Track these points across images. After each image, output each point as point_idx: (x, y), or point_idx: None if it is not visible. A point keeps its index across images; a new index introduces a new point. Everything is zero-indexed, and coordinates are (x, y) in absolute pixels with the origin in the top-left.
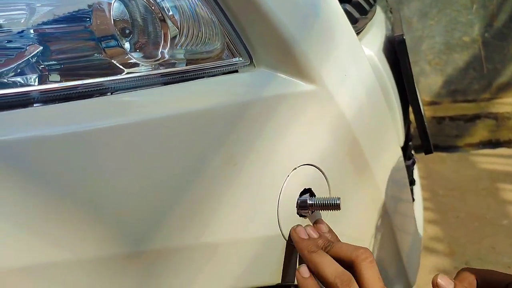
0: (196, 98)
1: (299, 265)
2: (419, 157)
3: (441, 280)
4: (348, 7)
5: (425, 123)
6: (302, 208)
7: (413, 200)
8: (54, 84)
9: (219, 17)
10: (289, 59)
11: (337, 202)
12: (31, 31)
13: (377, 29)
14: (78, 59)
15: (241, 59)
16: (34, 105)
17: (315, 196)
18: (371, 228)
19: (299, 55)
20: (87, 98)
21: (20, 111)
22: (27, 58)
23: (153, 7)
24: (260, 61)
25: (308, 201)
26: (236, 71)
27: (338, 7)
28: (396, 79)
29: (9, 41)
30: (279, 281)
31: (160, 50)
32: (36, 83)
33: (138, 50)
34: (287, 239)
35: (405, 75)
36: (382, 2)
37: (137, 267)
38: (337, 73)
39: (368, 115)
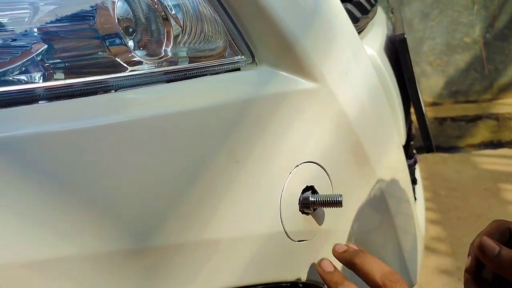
0: (198, 96)
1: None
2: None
3: (486, 242)
4: (350, 6)
5: (427, 122)
6: (305, 205)
7: (415, 199)
8: (59, 81)
9: (222, 16)
10: (291, 57)
11: (339, 199)
12: (36, 29)
13: (378, 29)
14: (82, 57)
15: (243, 57)
16: (39, 102)
17: (317, 193)
18: (373, 226)
19: (300, 53)
20: (92, 95)
21: (26, 107)
22: (32, 56)
23: (156, 6)
24: (262, 59)
25: (310, 198)
26: (238, 69)
27: (340, 6)
28: (397, 79)
29: (14, 40)
30: (282, 278)
31: (163, 48)
32: (41, 81)
33: (141, 48)
34: (289, 236)
35: (406, 74)
36: (383, 2)
37: (141, 263)
38: (339, 71)
39: (370, 113)
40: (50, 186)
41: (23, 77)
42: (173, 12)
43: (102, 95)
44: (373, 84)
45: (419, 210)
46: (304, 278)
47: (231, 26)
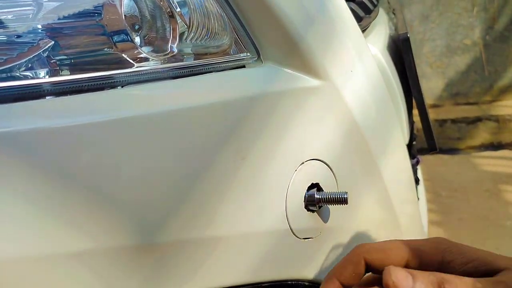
0: (205, 92)
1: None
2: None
3: (397, 275)
4: (353, 5)
5: (430, 121)
6: (310, 202)
7: (418, 199)
8: (66, 76)
9: (228, 13)
10: (296, 54)
11: (345, 196)
12: (42, 26)
13: (381, 29)
14: (89, 53)
15: (248, 54)
16: (46, 97)
17: (322, 190)
18: (378, 225)
19: (306, 50)
20: (98, 91)
21: (33, 102)
22: (38, 52)
23: (161, 2)
24: (267, 57)
25: (316, 196)
26: (243, 67)
27: (344, 5)
28: (400, 78)
29: (21, 36)
30: (287, 276)
31: (169, 44)
32: (47, 77)
33: (147, 45)
34: (295, 233)
35: (409, 72)
36: (384, 4)
37: (147, 260)
38: (343, 69)
39: (374, 111)
40: (58, 181)
41: (29, 73)
42: (179, 8)
43: (109, 90)
44: (377, 83)
45: (422, 210)
46: (309, 276)
47: (237, 23)
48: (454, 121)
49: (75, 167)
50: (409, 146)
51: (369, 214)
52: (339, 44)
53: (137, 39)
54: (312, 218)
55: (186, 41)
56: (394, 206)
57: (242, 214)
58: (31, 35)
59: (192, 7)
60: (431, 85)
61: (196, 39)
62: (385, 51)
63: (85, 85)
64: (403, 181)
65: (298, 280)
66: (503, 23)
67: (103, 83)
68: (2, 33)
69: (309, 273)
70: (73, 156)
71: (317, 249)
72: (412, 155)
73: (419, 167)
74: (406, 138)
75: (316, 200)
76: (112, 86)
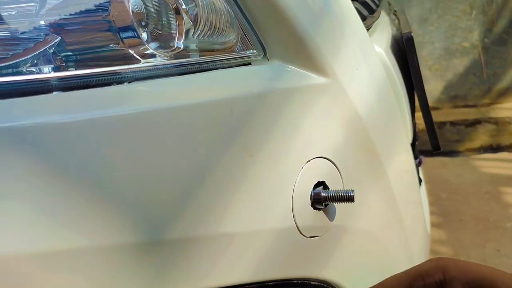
0: (212, 89)
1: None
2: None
3: None
4: (357, 4)
5: (433, 120)
6: (316, 200)
7: None
8: (72, 71)
9: (234, 9)
10: (302, 52)
11: (351, 194)
12: (50, 21)
13: (384, 28)
14: (95, 49)
15: (254, 51)
16: (53, 92)
17: (328, 188)
18: (383, 225)
19: (311, 48)
20: (105, 86)
21: (40, 97)
22: (45, 48)
23: None
24: (273, 54)
25: (322, 194)
26: (249, 64)
27: (349, 3)
28: (403, 78)
29: (27, 32)
30: (294, 275)
31: (176, 41)
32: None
33: (154, 41)
34: (301, 231)
35: (413, 72)
36: (385, 6)
37: (155, 256)
38: (349, 67)
39: (379, 109)
40: (62, 176)
41: (35, 69)
42: (184, 6)
43: (116, 86)
44: (381, 81)
45: (424, 210)
46: (316, 275)
47: (243, 20)
48: (453, 123)
49: (80, 163)
50: (412, 147)
51: (375, 214)
52: (344, 42)
53: (144, 35)
54: (318, 216)
55: (192, 38)
56: (399, 206)
57: (248, 212)
58: (37, 31)
59: (198, 3)
60: (430, 88)
61: (202, 35)
62: (388, 50)
63: (91, 81)
64: (408, 181)
65: (304, 279)
66: (501, 25)
67: (110, 78)
68: (8, 29)
69: (315, 272)
70: (79, 151)
71: (323, 247)
72: (415, 156)
73: (420, 168)
74: (410, 137)
75: (323, 198)
76: (119, 82)
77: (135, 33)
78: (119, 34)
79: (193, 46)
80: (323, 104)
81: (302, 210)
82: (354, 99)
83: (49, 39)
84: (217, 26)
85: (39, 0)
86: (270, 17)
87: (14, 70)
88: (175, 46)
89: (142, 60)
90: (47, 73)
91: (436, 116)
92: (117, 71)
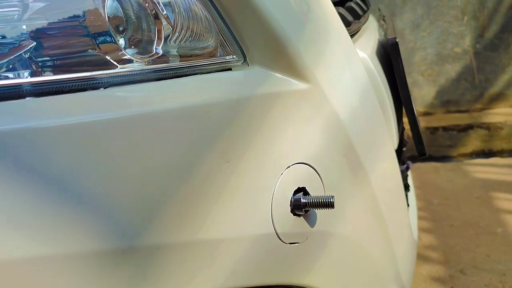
0: (189, 94)
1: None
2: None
3: None
4: (342, 10)
5: (419, 125)
6: (296, 206)
7: (408, 205)
8: (46, 77)
9: (213, 15)
10: (283, 57)
11: (331, 200)
12: (24, 26)
13: (370, 34)
14: (72, 55)
15: (234, 57)
16: (26, 98)
17: (309, 194)
18: (366, 231)
19: (292, 54)
20: (79, 92)
21: (12, 102)
22: (20, 53)
23: (147, 4)
24: (253, 60)
25: (302, 200)
26: (230, 69)
27: (332, 8)
28: (389, 83)
29: (3, 37)
30: (273, 281)
31: (154, 46)
32: (28, 78)
33: (132, 47)
34: (280, 238)
35: (398, 77)
36: (375, 11)
37: (131, 263)
38: (331, 72)
39: (362, 115)
40: (37, 182)
41: (10, 74)
42: (164, 11)
43: (91, 91)
44: (365, 86)
45: (412, 216)
46: (296, 282)
47: (222, 25)
48: (445, 128)
49: (52, 170)
50: (399, 152)
51: (357, 220)
52: (326, 48)
53: (121, 41)
54: (298, 223)
55: (171, 43)
56: (383, 211)
57: (226, 218)
58: (13, 36)
59: (177, 9)
60: (423, 93)
61: (181, 40)
62: (373, 56)
63: (66, 86)
64: (392, 186)
65: (284, 286)
66: (493, 31)
67: (85, 84)
68: None
69: (296, 278)
70: (52, 157)
71: (304, 254)
72: (402, 161)
73: (410, 174)
74: (395, 143)
75: (302, 204)
76: (94, 87)
77: (111, 38)
78: (95, 40)
79: (173, 51)
80: (304, 110)
81: (281, 217)
82: (335, 105)
83: (24, 44)
84: (196, 32)
85: (21, 5)
86: (250, 22)
87: None
88: (154, 52)
89: (119, 66)
90: (21, 78)
91: (429, 122)
92: (93, 76)
